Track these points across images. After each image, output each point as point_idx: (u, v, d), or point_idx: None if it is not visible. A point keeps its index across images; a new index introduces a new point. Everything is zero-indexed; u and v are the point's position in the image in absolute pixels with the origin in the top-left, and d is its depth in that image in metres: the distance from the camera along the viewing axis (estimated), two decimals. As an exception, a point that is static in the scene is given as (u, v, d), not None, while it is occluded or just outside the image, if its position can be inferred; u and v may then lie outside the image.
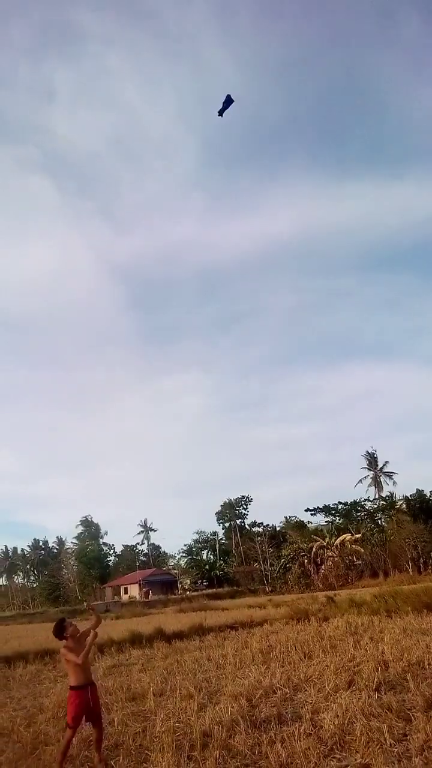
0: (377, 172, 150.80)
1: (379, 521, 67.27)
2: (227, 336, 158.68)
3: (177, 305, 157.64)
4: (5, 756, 6.98)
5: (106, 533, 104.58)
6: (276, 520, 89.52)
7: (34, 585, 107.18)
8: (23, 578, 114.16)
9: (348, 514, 72.30)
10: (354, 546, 58.15)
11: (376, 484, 76.34)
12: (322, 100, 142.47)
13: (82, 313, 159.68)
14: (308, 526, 74.72)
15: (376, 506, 71.97)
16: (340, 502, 73.49)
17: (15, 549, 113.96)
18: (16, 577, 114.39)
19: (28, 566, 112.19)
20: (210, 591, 62.08)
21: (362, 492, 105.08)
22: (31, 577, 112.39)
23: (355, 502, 73.07)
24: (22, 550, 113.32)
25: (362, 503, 73.22)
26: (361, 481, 76.58)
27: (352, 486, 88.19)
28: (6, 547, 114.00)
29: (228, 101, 10.56)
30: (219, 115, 10.62)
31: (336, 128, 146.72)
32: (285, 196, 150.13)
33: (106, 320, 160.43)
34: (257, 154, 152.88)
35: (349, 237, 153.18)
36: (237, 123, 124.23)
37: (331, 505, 73.73)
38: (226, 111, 10.70)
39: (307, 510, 75.58)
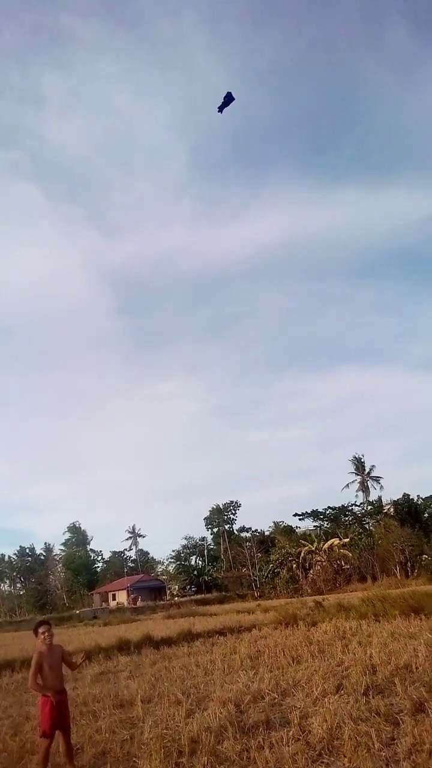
0: (367, 177, 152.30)
1: (367, 526, 67.47)
2: (219, 340, 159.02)
3: (168, 310, 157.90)
4: (-9, 765, 6.91)
5: (92, 539, 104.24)
6: (264, 525, 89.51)
7: (21, 592, 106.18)
8: (9, 586, 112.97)
9: (336, 518, 72.43)
10: (342, 550, 58.27)
11: (364, 488, 76.65)
12: (312, 106, 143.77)
13: (72, 318, 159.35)
14: (296, 530, 74.76)
15: (364, 511, 72.20)
16: (328, 507, 73.67)
17: (2, 556, 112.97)
18: (2, 584, 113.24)
19: (14, 573, 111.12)
20: (198, 597, 61.84)
21: (350, 496, 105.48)
22: (18, 585, 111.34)
23: (343, 506, 73.28)
24: (9, 557, 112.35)
25: (350, 508, 73.49)
26: (348, 485, 76.88)
27: (339, 490, 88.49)
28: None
29: (229, 98, 10.55)
30: (219, 112, 10.62)
31: (325, 134, 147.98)
32: (275, 201, 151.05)
33: (97, 325, 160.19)
34: (248, 159, 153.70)
35: (339, 242, 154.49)
36: (228, 129, 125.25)
37: (320, 510, 73.90)
38: (226, 108, 10.69)
39: (296, 515, 75.72)
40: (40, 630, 6.67)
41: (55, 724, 6.33)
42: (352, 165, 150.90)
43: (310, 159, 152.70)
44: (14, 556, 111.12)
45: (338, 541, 59.67)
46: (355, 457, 77.72)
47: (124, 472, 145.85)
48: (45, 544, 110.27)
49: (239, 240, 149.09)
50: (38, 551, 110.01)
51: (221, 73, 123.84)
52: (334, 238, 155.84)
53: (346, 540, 60.30)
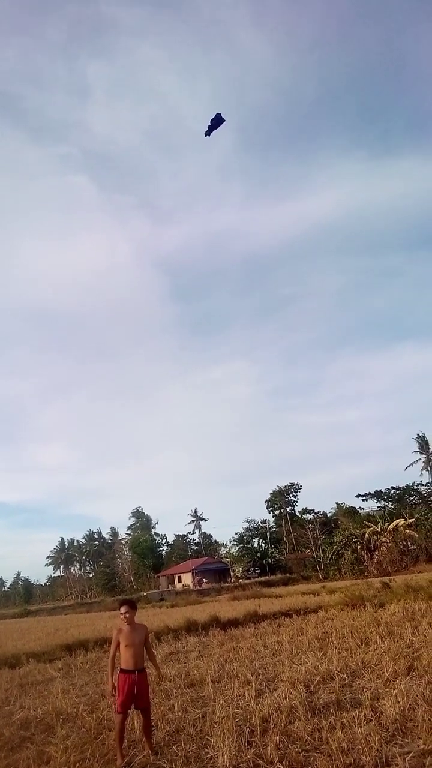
0: (422, 144, 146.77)
1: (433, 505, 65.87)
2: (273, 322, 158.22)
3: (222, 294, 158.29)
4: (71, 740, 7.19)
5: (157, 522, 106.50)
6: (327, 507, 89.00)
7: (91, 575, 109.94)
8: (80, 569, 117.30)
9: (401, 498, 71.03)
10: (408, 531, 57.11)
11: (429, 467, 74.70)
12: (361, 75, 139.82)
13: (128, 306, 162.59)
14: (360, 511, 73.86)
15: (430, 490, 70.48)
16: (392, 487, 72.34)
17: (72, 540, 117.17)
18: (72, 567, 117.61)
19: (84, 557, 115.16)
20: (263, 578, 62.21)
21: (414, 476, 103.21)
22: (87, 568, 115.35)
23: (408, 486, 71.74)
24: (78, 541, 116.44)
25: (415, 487, 71.87)
26: (412, 464, 75.14)
27: (403, 470, 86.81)
28: (62, 538, 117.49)
29: (218, 121, 9.71)
30: (206, 136, 9.77)
31: (376, 104, 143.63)
32: (326, 176, 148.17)
33: (151, 312, 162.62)
34: (296, 135, 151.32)
35: (394, 214, 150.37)
36: (274, 106, 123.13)
37: (383, 490, 72.64)
38: (214, 131, 9.78)
39: (358, 496, 74.83)
40: (121, 609, 6.90)
41: (127, 702, 6.50)
42: (406, 133, 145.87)
43: (361, 130, 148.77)
44: (83, 541, 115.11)
45: (404, 522, 58.49)
46: (418, 436, 75.85)
47: (183, 458, 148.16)
48: (111, 528, 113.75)
49: (291, 218, 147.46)
50: (105, 535, 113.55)
51: (265, 48, 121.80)
52: (389, 211, 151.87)
53: (412, 520, 59.06)
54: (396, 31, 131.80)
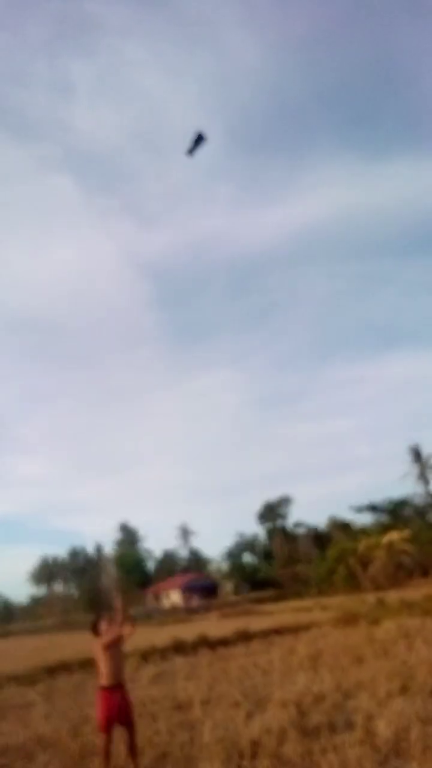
0: (413, 149, 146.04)
1: (429, 518, 65.64)
2: (261, 329, 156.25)
3: (207, 300, 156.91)
4: (52, 767, 6.87)
5: (143, 538, 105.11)
6: (319, 519, 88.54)
7: (74, 593, 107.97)
8: (63, 586, 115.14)
9: (395, 511, 70.77)
10: (402, 545, 56.72)
11: (423, 479, 74.26)
12: (350, 76, 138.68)
13: (109, 312, 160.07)
14: (353, 525, 73.46)
15: (425, 503, 70.19)
16: (388, 500, 72.03)
17: (54, 557, 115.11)
18: (55, 585, 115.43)
19: (67, 574, 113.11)
20: (253, 595, 61.60)
21: (408, 487, 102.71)
22: (71, 585, 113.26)
23: (403, 501, 71.41)
24: (61, 557, 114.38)
25: (410, 500, 71.53)
26: (405, 475, 74.69)
27: (396, 482, 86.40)
28: (45, 554, 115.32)
29: (199, 139, 9.20)
30: (189, 155, 9.28)
31: (366, 106, 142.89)
32: (315, 180, 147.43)
33: (134, 319, 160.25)
34: (284, 138, 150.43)
35: (385, 219, 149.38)
36: (262, 107, 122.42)
37: (377, 503, 72.33)
38: (197, 150, 9.27)
39: (352, 508, 74.46)
40: (105, 622, 6.62)
41: (110, 720, 6.23)
42: (396, 137, 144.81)
43: (350, 133, 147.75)
44: (66, 557, 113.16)
45: (398, 535, 58.09)
46: (410, 447, 75.53)
47: (170, 470, 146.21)
48: (96, 544, 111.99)
49: (279, 222, 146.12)
50: (89, 551, 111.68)
51: (252, 48, 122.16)
52: (380, 215, 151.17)
53: (406, 534, 58.67)
54: (387, 31, 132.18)
